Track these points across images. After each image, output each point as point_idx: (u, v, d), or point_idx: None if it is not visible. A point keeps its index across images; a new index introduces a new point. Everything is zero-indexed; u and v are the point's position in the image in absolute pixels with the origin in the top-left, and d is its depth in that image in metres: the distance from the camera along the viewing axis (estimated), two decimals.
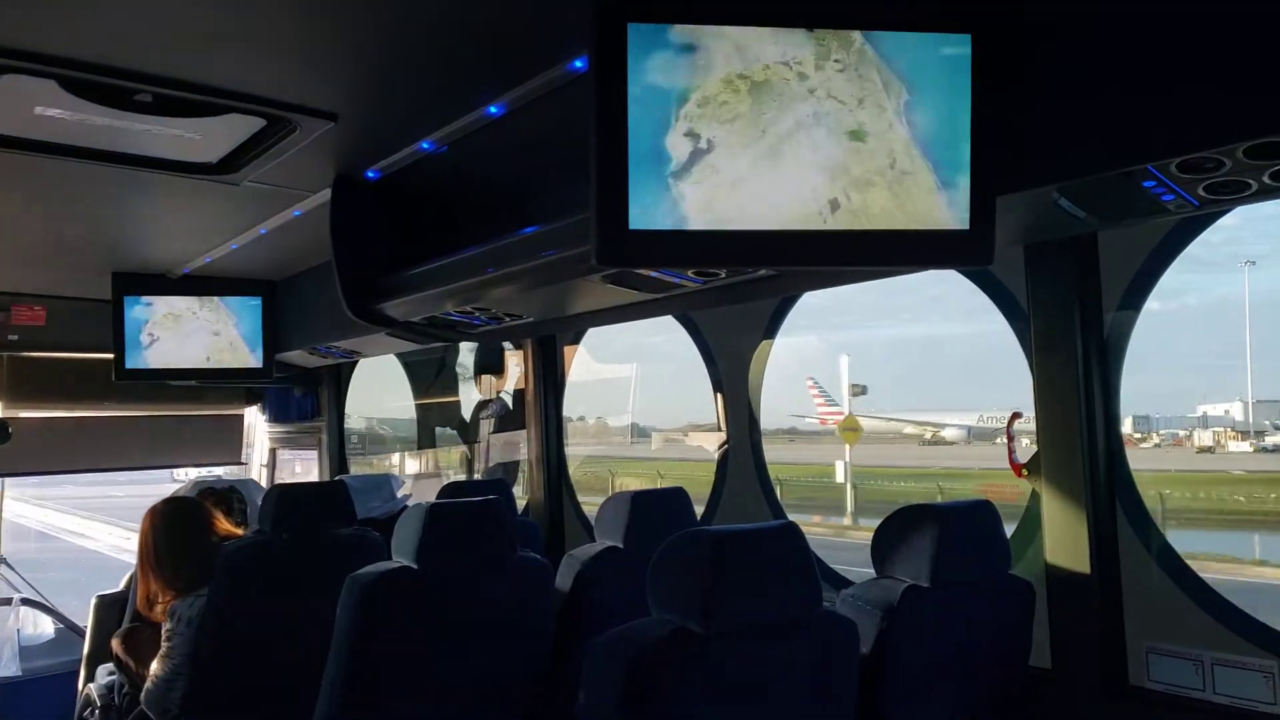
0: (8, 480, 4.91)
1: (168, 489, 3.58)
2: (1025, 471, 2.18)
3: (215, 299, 3.92)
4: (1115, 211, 1.61)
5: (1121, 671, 2.03)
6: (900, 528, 1.92)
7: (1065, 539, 2.06)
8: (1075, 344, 2.03)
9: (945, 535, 1.85)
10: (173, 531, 2.78)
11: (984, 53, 1.42)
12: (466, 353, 4.59)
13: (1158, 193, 1.44)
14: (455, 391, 4.93)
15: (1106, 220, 1.67)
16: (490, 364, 4.07)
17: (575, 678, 1.57)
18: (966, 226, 1.46)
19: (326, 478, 4.75)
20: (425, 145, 2.31)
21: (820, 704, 1.68)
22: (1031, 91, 1.44)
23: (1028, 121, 1.45)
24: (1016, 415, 2.26)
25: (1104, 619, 2.03)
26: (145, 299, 3.85)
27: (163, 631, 2.63)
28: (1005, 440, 2.29)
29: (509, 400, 4.06)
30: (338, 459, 4.89)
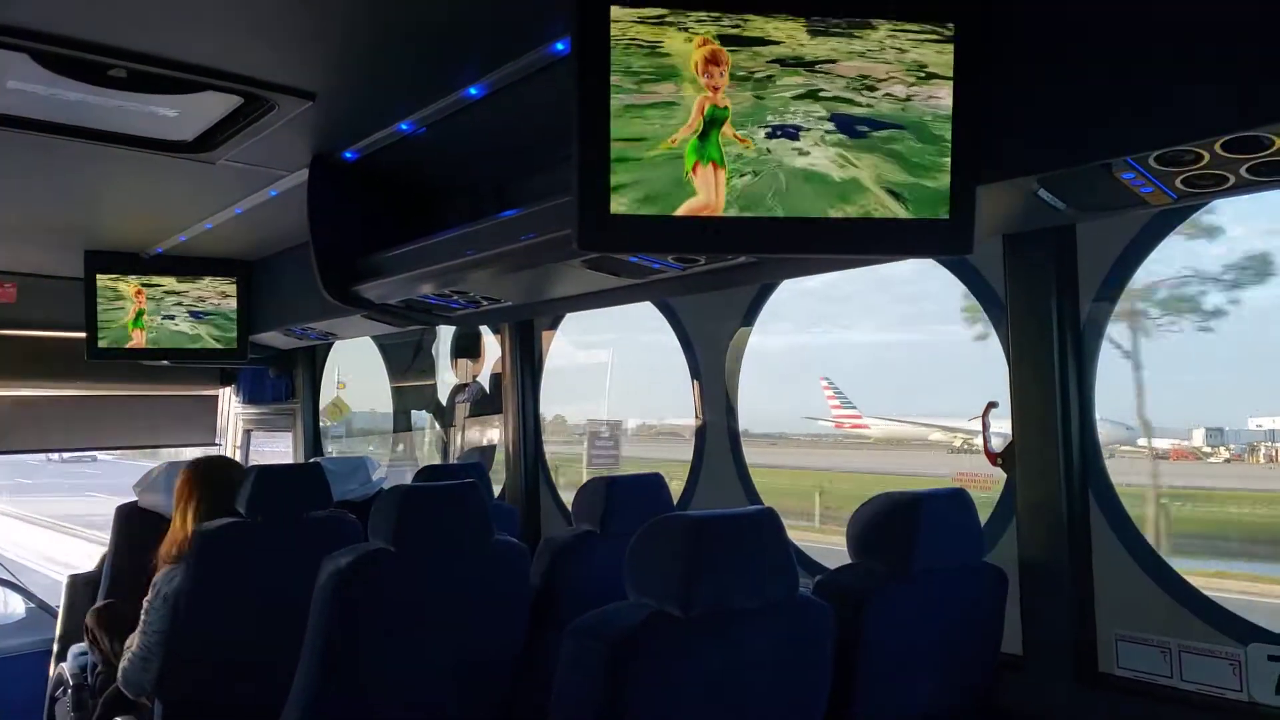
0: None
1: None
2: (1000, 461, 2.20)
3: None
4: (1094, 203, 1.62)
5: (1091, 659, 2.06)
6: (875, 514, 1.94)
7: (1038, 527, 2.09)
8: (1052, 334, 2.05)
9: (920, 522, 1.86)
10: (205, 487, 2.74)
11: (967, 42, 1.42)
12: (445, 336, 4.56)
13: (1136, 185, 1.46)
14: (432, 375, 4.91)
15: (1086, 211, 1.69)
16: (467, 348, 4.05)
17: (552, 661, 1.57)
18: (947, 216, 1.47)
19: (301, 460, 4.72)
20: (404, 126, 2.28)
21: (795, 688, 1.69)
22: (1012, 82, 1.45)
23: (1009, 112, 1.46)
24: (992, 405, 2.28)
25: (1075, 607, 2.06)
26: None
27: (143, 603, 2.61)
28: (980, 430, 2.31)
29: (485, 385, 4.04)
30: (313, 441, 4.86)
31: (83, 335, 3.81)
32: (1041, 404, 2.07)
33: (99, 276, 3.79)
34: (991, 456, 2.22)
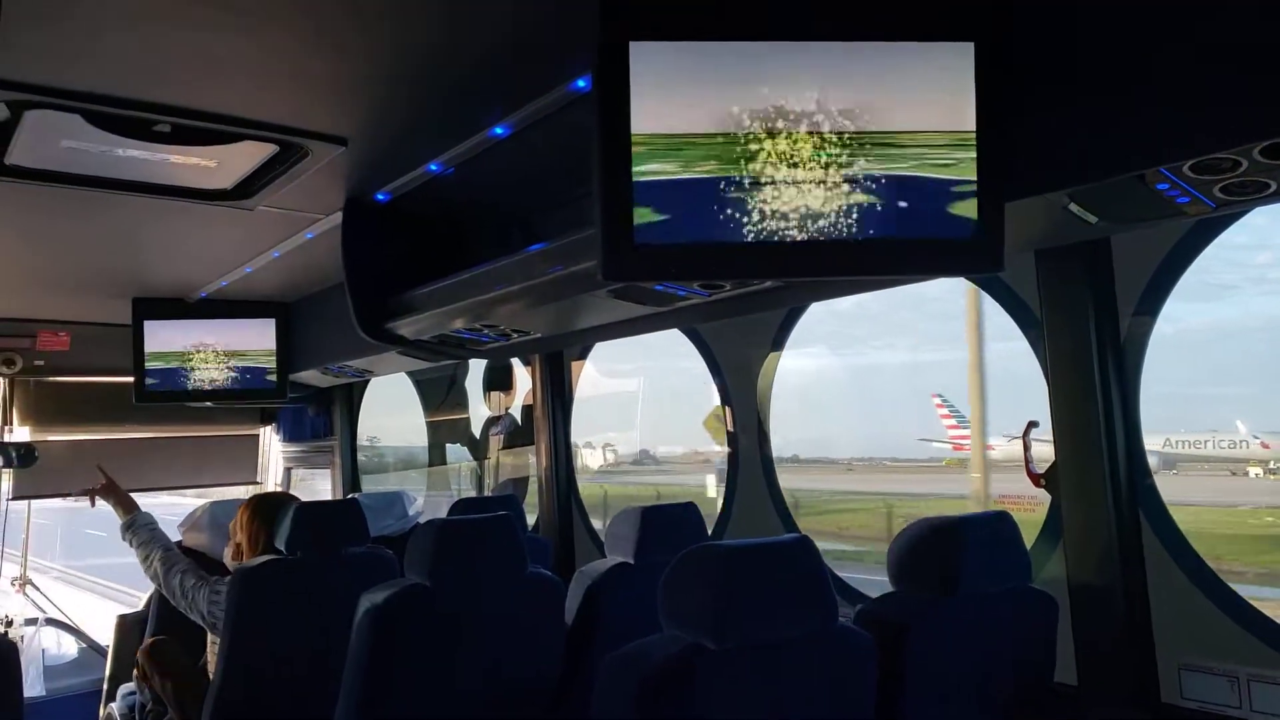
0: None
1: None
2: (1043, 482, 2.15)
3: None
4: (1129, 215, 1.59)
5: (1153, 688, 1.98)
6: (916, 540, 1.90)
7: (1088, 551, 2.03)
8: (1090, 350, 2.00)
9: (963, 547, 1.82)
10: (261, 520, 2.87)
11: (987, 60, 1.41)
12: (477, 369, 4.60)
13: (1172, 195, 1.42)
14: (465, 408, 4.95)
15: (1119, 224, 1.65)
16: (499, 381, 4.08)
17: (587, 694, 1.55)
18: (976, 234, 1.45)
19: (340, 496, 4.77)
20: (433, 167, 2.33)
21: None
22: (1040, 96, 1.43)
23: (1036, 126, 1.44)
24: (1033, 424, 2.23)
25: (1132, 633, 1.98)
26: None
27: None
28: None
29: (518, 416, 4.06)
30: (350, 477, 4.91)
31: (131, 380, 3.91)
32: (1084, 423, 2.01)
33: (146, 323, 3.91)
34: (1034, 478, 2.16)
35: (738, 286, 2.01)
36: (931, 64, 1.42)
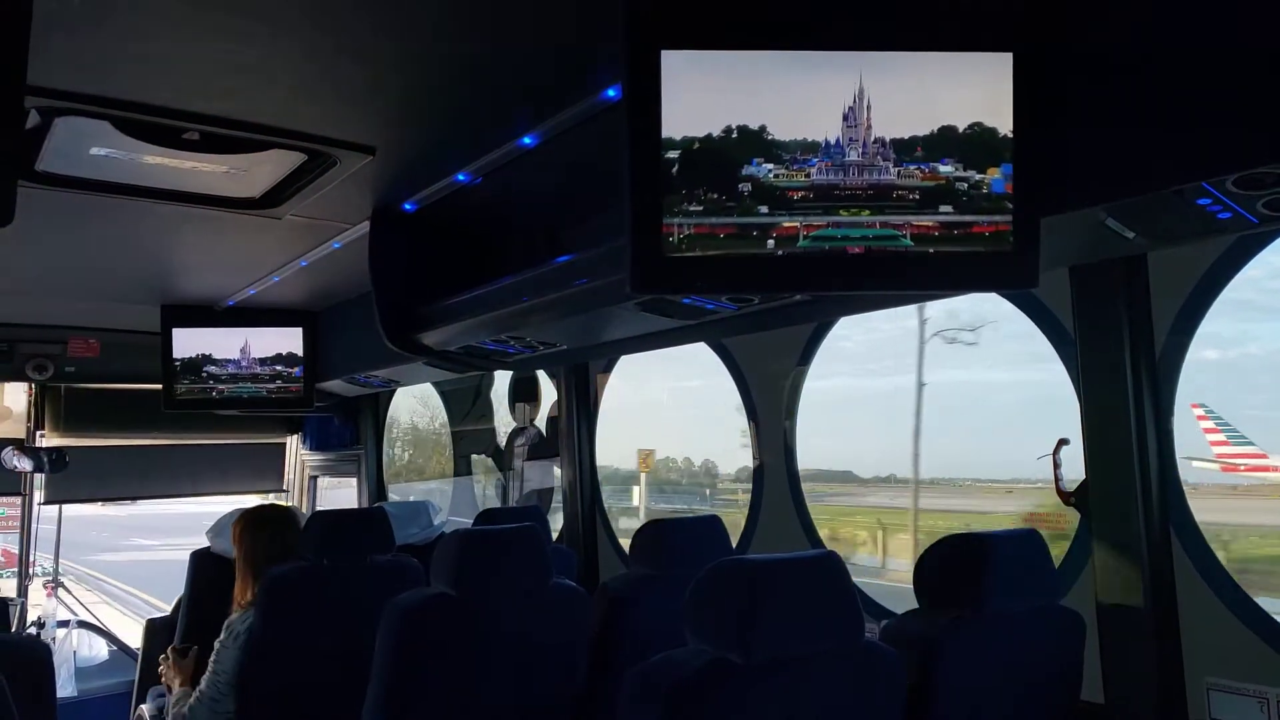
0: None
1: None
2: (1073, 500, 2.11)
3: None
4: (1168, 231, 1.56)
5: (1180, 708, 1.94)
6: (943, 557, 1.87)
7: (1117, 570, 1.99)
8: (1125, 369, 1.97)
9: (990, 565, 1.79)
10: (256, 536, 2.83)
11: (1025, 72, 1.40)
12: (503, 381, 4.62)
13: (1213, 210, 1.39)
14: (490, 419, 4.96)
15: (1158, 240, 1.63)
16: (524, 392, 4.09)
17: (611, 706, 1.54)
18: (1010, 249, 1.43)
19: (366, 504, 4.79)
20: (461, 177, 2.34)
21: None
22: (1078, 108, 1.41)
23: (1074, 139, 1.42)
24: (1063, 442, 2.19)
25: (1160, 653, 1.94)
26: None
27: (215, 644, 2.66)
28: (1051, 468, 2.22)
29: (543, 428, 4.06)
30: (376, 486, 4.93)
31: (160, 386, 3.96)
32: (1116, 442, 1.98)
33: (174, 330, 3.96)
34: (1064, 496, 2.13)
35: (766, 300, 2.00)
36: (969, 75, 1.40)
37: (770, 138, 1.45)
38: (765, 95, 1.43)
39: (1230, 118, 1.25)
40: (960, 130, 1.43)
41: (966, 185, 1.45)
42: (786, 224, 1.46)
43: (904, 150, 1.44)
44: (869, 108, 1.43)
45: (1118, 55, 1.37)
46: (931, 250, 1.44)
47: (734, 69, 1.43)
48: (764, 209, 1.46)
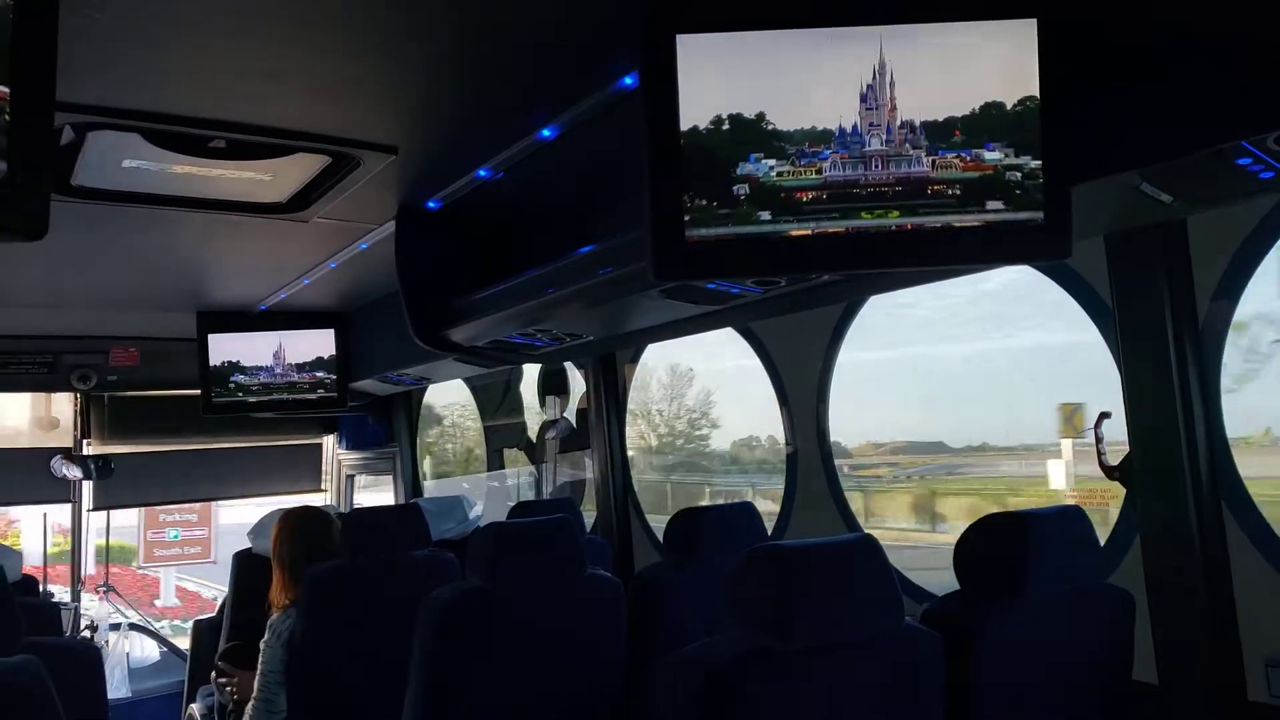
0: None
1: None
2: (1117, 474, 2.07)
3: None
4: (1207, 194, 1.51)
5: (1239, 686, 1.89)
6: (984, 537, 1.84)
7: (1165, 545, 1.94)
8: (1167, 337, 1.92)
9: (1033, 544, 1.76)
10: (295, 537, 2.88)
11: (1051, 36, 1.36)
12: (533, 374, 4.63)
13: (1255, 170, 1.34)
14: (521, 413, 4.98)
15: (1197, 204, 1.58)
16: (554, 384, 4.10)
17: (649, 696, 1.54)
18: (1041, 220, 1.40)
19: (401, 501, 4.85)
20: (483, 173, 2.34)
21: None
22: (1107, 70, 1.36)
23: (1104, 102, 1.37)
24: (1105, 415, 2.15)
25: (1215, 630, 1.89)
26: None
27: (260, 645, 2.72)
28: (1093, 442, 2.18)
29: (573, 420, 4.07)
30: (411, 482, 4.98)
31: (198, 392, 4.03)
32: (1160, 412, 1.93)
33: (210, 336, 4.02)
34: (1107, 470, 2.09)
35: (793, 282, 1.97)
36: (993, 43, 1.36)
37: (770, 127, 1.27)
38: (761, 77, 1.27)
39: (1270, 73, 1.20)
40: (1009, 107, 1.30)
41: (1020, 175, 1.30)
42: (795, 232, 1.30)
43: (939, 134, 1.29)
44: (892, 84, 1.34)
45: (1150, 12, 1.33)
46: (961, 225, 1.40)
47: (723, 49, 1.27)
48: (765, 215, 1.30)
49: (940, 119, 1.30)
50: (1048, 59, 1.36)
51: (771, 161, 1.30)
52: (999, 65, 1.33)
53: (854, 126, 1.31)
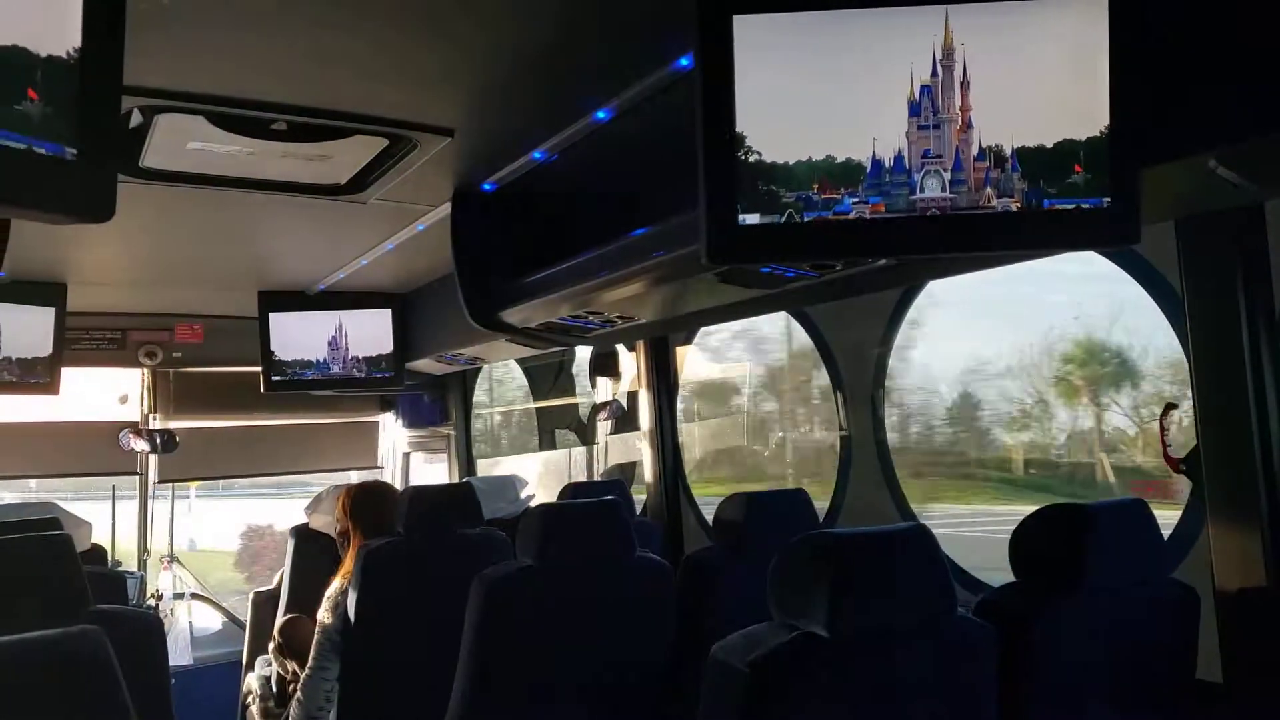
0: None
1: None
2: (1183, 467, 2.00)
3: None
4: None
5: None
6: (1042, 528, 1.80)
7: (1234, 540, 1.88)
8: (1240, 328, 1.84)
9: (1091, 536, 1.72)
10: (361, 509, 2.98)
11: (1121, 12, 1.30)
12: (584, 357, 4.66)
13: None
14: (573, 394, 5.02)
15: (1274, 187, 1.51)
16: (605, 366, 4.12)
17: (696, 680, 1.55)
18: (1108, 203, 1.35)
19: (456, 480, 4.93)
20: (538, 155, 2.35)
21: (955, 716, 1.59)
22: (1179, 47, 1.31)
23: (1176, 82, 1.32)
24: (1172, 405, 2.08)
25: None
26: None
27: (319, 614, 2.81)
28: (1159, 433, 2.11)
29: (624, 402, 4.09)
30: (465, 462, 5.07)
31: (259, 369, 4.15)
32: (1232, 404, 1.86)
33: (271, 315, 4.13)
34: (1173, 463, 2.02)
35: (849, 266, 1.94)
36: (1060, 20, 1.32)
37: (809, 159, 1.35)
38: (842, 57, 1.33)
39: None
40: (1052, 79, 1.31)
41: (1060, 139, 1.34)
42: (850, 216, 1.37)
43: (990, 106, 1.32)
44: (955, 65, 1.35)
45: None
46: (1026, 209, 1.37)
47: (785, 28, 1.31)
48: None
49: (993, 93, 1.30)
50: (1118, 36, 1.30)
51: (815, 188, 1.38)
52: (1068, 49, 1.31)
53: (896, 157, 1.34)
